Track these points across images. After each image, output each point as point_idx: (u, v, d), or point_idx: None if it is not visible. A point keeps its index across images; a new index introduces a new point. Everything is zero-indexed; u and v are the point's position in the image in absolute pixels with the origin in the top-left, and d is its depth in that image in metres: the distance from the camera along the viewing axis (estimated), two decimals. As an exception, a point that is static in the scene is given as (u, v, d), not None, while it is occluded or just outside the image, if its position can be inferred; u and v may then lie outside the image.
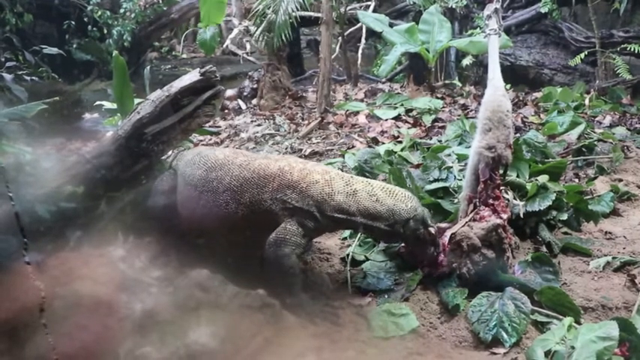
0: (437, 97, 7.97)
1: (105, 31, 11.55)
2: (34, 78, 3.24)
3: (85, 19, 11.43)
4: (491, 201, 3.46)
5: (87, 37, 11.55)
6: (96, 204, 3.62)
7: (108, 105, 6.14)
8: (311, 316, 3.23)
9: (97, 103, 6.44)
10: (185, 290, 3.19)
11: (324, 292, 3.50)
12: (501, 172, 3.58)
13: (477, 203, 3.51)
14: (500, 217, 3.42)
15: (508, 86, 3.59)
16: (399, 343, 3.12)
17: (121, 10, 11.62)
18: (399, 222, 3.38)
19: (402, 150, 5.73)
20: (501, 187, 3.58)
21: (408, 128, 6.82)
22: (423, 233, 3.44)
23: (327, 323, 3.22)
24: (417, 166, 5.01)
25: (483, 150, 3.50)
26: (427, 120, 7.06)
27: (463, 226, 3.44)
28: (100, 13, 11.38)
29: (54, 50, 3.30)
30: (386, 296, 3.46)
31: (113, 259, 3.40)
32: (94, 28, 11.50)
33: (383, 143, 6.30)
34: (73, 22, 11.22)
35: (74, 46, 11.29)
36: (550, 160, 4.87)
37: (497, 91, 3.61)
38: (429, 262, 3.53)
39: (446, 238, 3.51)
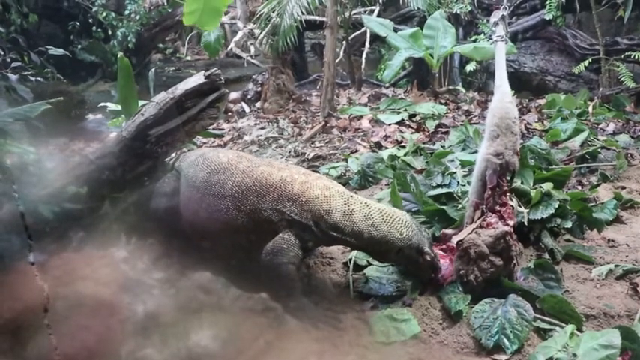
0: (440, 103, 7.97)
1: (109, 33, 11.58)
2: (39, 78, 3.25)
3: (90, 21, 11.46)
4: (497, 208, 3.46)
5: (91, 38, 11.58)
6: (99, 205, 3.62)
7: (112, 106, 6.15)
8: (313, 320, 3.22)
9: (102, 104, 6.46)
10: (187, 292, 3.19)
11: (326, 297, 3.50)
12: (508, 178, 3.58)
13: (484, 210, 3.51)
14: (507, 224, 3.41)
15: (512, 93, 3.61)
16: (401, 348, 3.12)
17: (126, 12, 11.66)
18: (392, 249, 3.37)
19: (405, 155, 5.74)
20: (507, 194, 3.57)
21: (412, 133, 6.81)
22: (417, 260, 3.42)
23: (328, 327, 3.21)
24: (420, 172, 5.01)
25: (491, 157, 3.49)
26: (430, 125, 7.05)
27: (470, 233, 3.43)
28: (104, 14, 11.42)
29: (59, 51, 3.31)
30: (388, 301, 3.45)
31: (116, 260, 3.40)
32: (99, 30, 11.53)
33: (386, 148, 6.30)
34: (78, 23, 11.25)
35: (79, 47, 11.32)
36: (554, 167, 4.87)
37: (504, 97, 3.61)
38: (427, 281, 3.53)
39: (452, 245, 3.52)
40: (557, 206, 4.00)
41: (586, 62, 8.56)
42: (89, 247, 3.44)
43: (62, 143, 5.33)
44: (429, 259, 3.42)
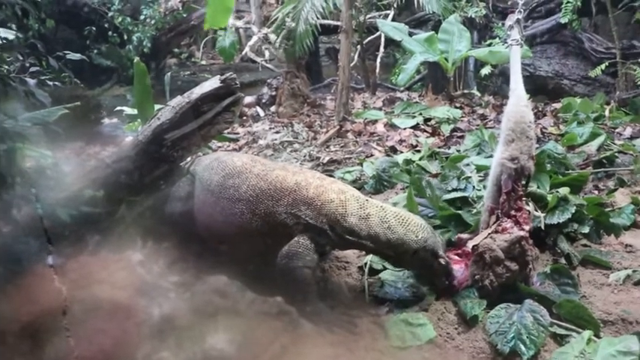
0: (455, 107, 7.94)
1: (125, 38, 11.67)
2: (56, 83, 3.27)
3: (106, 26, 11.56)
4: (513, 212, 3.45)
5: (107, 43, 11.67)
6: (115, 208, 3.64)
7: (128, 110, 6.20)
8: (328, 324, 3.22)
9: (118, 108, 6.51)
10: (203, 296, 3.20)
11: (341, 301, 3.50)
12: (523, 183, 3.56)
13: (499, 215, 3.49)
14: (523, 229, 3.40)
15: (527, 96, 3.60)
16: (416, 353, 3.11)
17: (142, 17, 11.74)
18: (408, 252, 3.36)
19: (420, 159, 5.73)
20: (523, 199, 3.56)
21: (427, 137, 6.80)
22: (432, 264, 3.41)
23: (344, 332, 3.20)
24: (436, 176, 5.00)
25: (506, 161, 3.48)
26: (446, 129, 7.03)
27: (485, 237, 3.42)
28: (120, 19, 11.52)
29: (77, 56, 3.34)
30: (403, 306, 3.44)
31: (132, 264, 3.42)
32: (115, 34, 11.62)
33: (401, 152, 6.30)
34: (95, 28, 11.35)
35: (95, 51, 11.41)
36: (571, 172, 4.83)
37: (519, 101, 3.60)
38: (441, 288, 3.51)
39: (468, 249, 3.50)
40: (573, 211, 3.97)
41: (602, 66, 8.53)
42: (105, 250, 3.47)
43: (79, 147, 5.38)
44: (443, 262, 3.41)
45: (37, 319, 2.74)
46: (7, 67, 3.04)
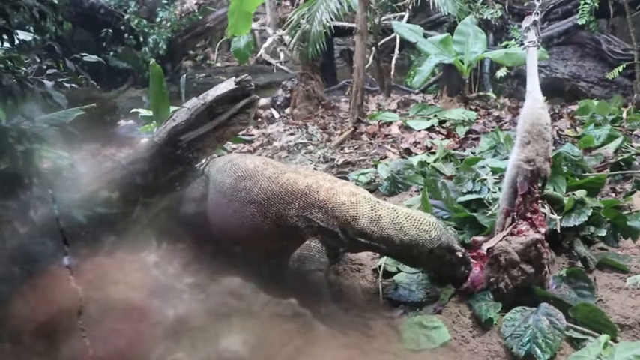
0: (471, 109, 7.92)
1: (141, 40, 11.74)
2: (73, 85, 3.29)
3: (122, 28, 11.64)
4: (529, 215, 3.43)
5: (123, 46, 11.75)
6: (131, 210, 3.66)
7: (144, 112, 6.23)
8: (342, 326, 3.21)
9: (134, 110, 6.55)
10: (217, 297, 3.21)
11: (355, 303, 3.49)
12: (540, 185, 3.54)
13: (515, 217, 3.47)
14: (539, 232, 3.38)
15: (543, 98, 3.59)
16: (430, 356, 3.10)
17: (158, 19, 11.81)
18: (423, 252, 3.35)
19: (435, 161, 5.71)
20: (539, 201, 3.53)
21: (442, 139, 6.78)
22: (449, 259, 3.41)
23: (358, 334, 3.20)
24: (450, 178, 4.98)
25: (522, 163, 3.47)
26: (461, 131, 7.01)
27: (501, 240, 3.40)
28: (136, 21, 11.60)
29: (94, 58, 3.36)
30: (418, 308, 3.43)
31: (147, 265, 3.44)
32: (131, 37, 11.70)
33: (416, 154, 6.29)
34: (111, 31, 11.43)
35: (111, 54, 11.49)
36: (588, 174, 4.80)
37: (536, 103, 3.58)
38: (460, 281, 3.50)
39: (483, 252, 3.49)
40: (590, 214, 3.94)
41: (620, 68, 8.46)
42: (121, 251, 3.48)
43: (95, 148, 5.41)
44: (460, 255, 3.41)
45: (52, 319, 2.76)
46: (24, 69, 3.06)
